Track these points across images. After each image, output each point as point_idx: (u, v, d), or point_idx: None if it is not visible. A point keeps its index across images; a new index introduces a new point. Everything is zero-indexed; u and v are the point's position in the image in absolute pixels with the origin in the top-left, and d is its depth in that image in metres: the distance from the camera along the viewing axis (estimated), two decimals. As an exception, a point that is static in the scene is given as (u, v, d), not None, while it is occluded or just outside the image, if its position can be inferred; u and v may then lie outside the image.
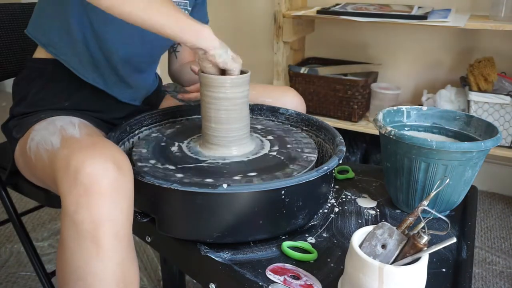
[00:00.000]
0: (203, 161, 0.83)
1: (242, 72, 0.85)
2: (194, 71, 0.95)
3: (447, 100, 1.62)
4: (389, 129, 0.79)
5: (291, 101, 1.08)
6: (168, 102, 1.14)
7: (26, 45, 1.14)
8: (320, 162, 0.92)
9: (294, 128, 1.01)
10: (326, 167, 0.75)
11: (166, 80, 1.26)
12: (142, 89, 1.04)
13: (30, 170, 0.87)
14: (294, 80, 1.81)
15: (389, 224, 0.60)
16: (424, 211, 0.63)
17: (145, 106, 1.05)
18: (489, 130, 0.83)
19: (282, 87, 1.18)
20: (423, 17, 1.51)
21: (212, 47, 0.80)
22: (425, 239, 0.57)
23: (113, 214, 0.64)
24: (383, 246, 0.59)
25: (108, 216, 0.64)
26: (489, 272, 1.41)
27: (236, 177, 0.76)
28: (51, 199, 0.96)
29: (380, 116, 0.86)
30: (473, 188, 0.90)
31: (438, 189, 0.66)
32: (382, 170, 0.88)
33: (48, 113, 0.87)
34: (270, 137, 0.94)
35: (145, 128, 0.98)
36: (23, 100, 0.92)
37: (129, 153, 0.92)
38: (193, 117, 1.06)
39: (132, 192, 0.69)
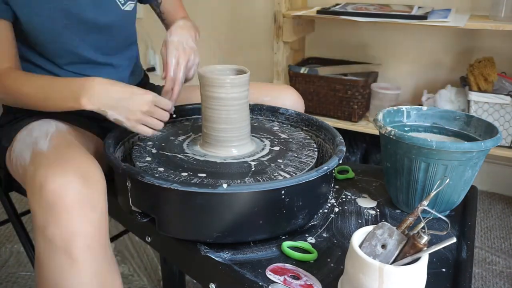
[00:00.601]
0: (203, 160, 0.83)
1: (241, 72, 0.85)
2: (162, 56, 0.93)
3: (447, 100, 1.62)
4: (389, 129, 0.79)
5: (290, 99, 1.08)
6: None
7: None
8: (320, 162, 0.92)
9: (294, 128, 1.01)
10: (326, 167, 0.75)
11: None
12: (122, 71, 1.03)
13: (19, 178, 0.88)
14: (294, 80, 1.81)
15: (389, 224, 0.60)
16: (424, 211, 0.63)
17: None
18: (489, 130, 0.83)
19: (280, 85, 1.18)
20: (423, 17, 1.51)
21: (98, 110, 0.79)
22: (425, 239, 0.57)
23: (83, 227, 0.64)
24: (383, 246, 0.59)
25: (77, 229, 0.64)
26: (489, 272, 1.41)
27: (236, 177, 0.76)
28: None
29: (380, 116, 0.86)
30: (473, 188, 0.90)
31: (438, 189, 0.65)
32: (382, 170, 0.88)
33: (33, 117, 0.88)
34: (270, 137, 0.94)
35: (145, 128, 0.98)
36: (10, 107, 0.93)
37: (129, 153, 0.92)
38: (193, 117, 1.06)
39: (103, 203, 0.69)
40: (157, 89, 1.16)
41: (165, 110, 0.83)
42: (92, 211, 0.66)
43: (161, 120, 0.82)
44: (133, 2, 0.96)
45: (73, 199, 0.64)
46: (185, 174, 0.77)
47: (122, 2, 0.93)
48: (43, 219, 0.64)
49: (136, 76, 1.10)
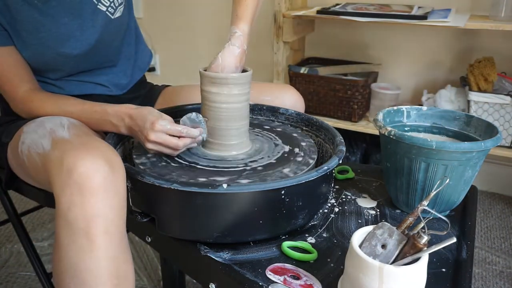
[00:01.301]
0: (203, 160, 0.83)
1: (243, 71, 0.85)
2: None
3: (447, 100, 1.62)
4: (389, 129, 0.79)
5: (290, 99, 1.08)
6: (165, 97, 1.14)
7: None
8: (320, 162, 0.92)
9: (294, 128, 1.01)
10: (326, 167, 0.75)
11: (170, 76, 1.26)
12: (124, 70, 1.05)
13: (24, 172, 0.88)
14: (294, 80, 1.81)
15: (389, 224, 0.60)
16: (424, 211, 0.63)
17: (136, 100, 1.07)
18: (489, 130, 0.83)
19: (281, 84, 1.18)
20: (423, 17, 1.51)
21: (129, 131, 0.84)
22: (425, 239, 0.57)
23: (103, 211, 0.66)
24: (383, 246, 0.59)
25: (100, 212, 0.65)
26: (489, 272, 1.41)
27: (236, 177, 0.76)
28: (50, 200, 0.95)
29: (380, 116, 0.86)
30: (473, 188, 0.90)
31: (438, 189, 0.65)
32: (382, 170, 0.88)
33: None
34: (270, 137, 0.94)
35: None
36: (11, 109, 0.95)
37: (129, 153, 0.92)
38: (193, 117, 1.06)
39: (124, 190, 0.70)
40: (155, 88, 1.16)
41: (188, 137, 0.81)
42: (115, 197, 0.67)
43: (175, 149, 0.81)
44: (122, 5, 0.97)
45: (100, 183, 0.66)
46: (184, 173, 0.77)
47: (112, 11, 0.94)
48: (68, 200, 0.65)
49: (142, 65, 1.12)
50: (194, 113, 0.82)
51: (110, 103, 0.88)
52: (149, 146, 0.79)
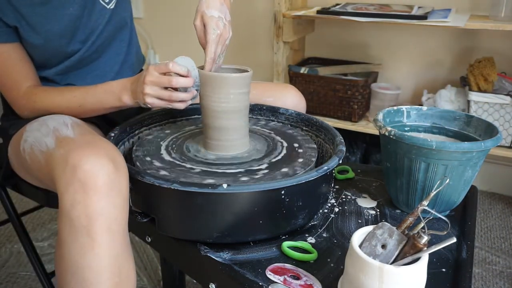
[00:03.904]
0: (203, 160, 0.83)
1: (243, 71, 0.85)
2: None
3: (447, 100, 1.62)
4: (389, 129, 0.79)
5: (291, 99, 1.08)
6: None
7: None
8: (320, 162, 0.92)
9: (294, 128, 1.01)
10: (326, 167, 0.75)
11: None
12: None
13: (25, 170, 0.88)
14: (294, 80, 1.81)
15: (389, 224, 0.60)
16: (424, 211, 0.63)
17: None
18: (489, 130, 0.83)
19: (282, 84, 1.18)
20: (423, 17, 1.51)
21: (134, 104, 0.86)
22: (425, 239, 0.57)
23: (106, 209, 0.66)
24: (383, 246, 0.59)
25: (102, 210, 0.65)
26: (489, 272, 1.41)
27: (236, 176, 0.76)
28: (50, 199, 0.96)
29: (380, 116, 0.86)
30: (473, 188, 0.90)
31: (438, 189, 0.65)
32: (382, 170, 0.88)
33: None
34: (269, 137, 0.94)
35: (145, 128, 0.98)
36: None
37: (129, 153, 0.92)
38: (193, 117, 1.06)
39: (126, 189, 0.70)
40: None
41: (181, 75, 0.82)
42: (118, 195, 0.67)
43: (176, 89, 0.82)
44: None
45: (104, 181, 0.66)
46: (184, 173, 0.77)
47: (107, 1, 0.94)
48: (72, 198, 0.65)
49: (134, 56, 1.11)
50: (180, 57, 0.83)
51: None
52: (147, 90, 0.80)
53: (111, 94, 0.86)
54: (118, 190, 0.68)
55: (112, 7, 0.95)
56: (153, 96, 0.81)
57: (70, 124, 0.81)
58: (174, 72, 0.80)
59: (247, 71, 0.84)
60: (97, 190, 0.65)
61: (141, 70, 1.15)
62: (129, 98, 0.85)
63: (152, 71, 0.80)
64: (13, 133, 0.89)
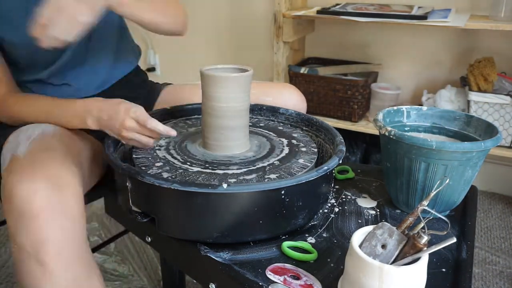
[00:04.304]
0: (203, 160, 0.83)
1: (243, 71, 0.85)
2: None
3: (447, 100, 1.62)
4: (389, 129, 0.79)
5: (291, 98, 1.08)
6: (165, 95, 1.13)
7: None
8: (320, 162, 0.92)
9: (294, 128, 1.01)
10: (326, 167, 0.75)
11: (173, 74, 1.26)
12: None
13: None
14: (294, 80, 1.81)
15: (389, 224, 0.60)
16: (424, 211, 0.63)
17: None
18: (489, 130, 0.83)
19: (281, 84, 1.18)
20: (423, 17, 1.51)
21: (102, 130, 0.83)
22: (425, 239, 0.57)
23: (52, 234, 0.63)
24: (383, 246, 0.59)
25: (47, 236, 0.62)
26: (489, 272, 1.41)
27: (236, 176, 0.76)
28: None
29: (380, 116, 0.86)
30: (473, 188, 0.90)
31: (438, 189, 0.65)
32: (382, 170, 0.88)
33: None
34: (269, 137, 0.94)
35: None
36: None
37: (129, 153, 0.92)
38: (193, 117, 1.06)
39: (77, 208, 0.67)
40: (156, 87, 1.16)
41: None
42: (63, 217, 0.64)
43: (151, 137, 0.81)
44: None
45: (41, 205, 0.63)
46: (184, 173, 0.77)
47: None
48: (14, 226, 0.63)
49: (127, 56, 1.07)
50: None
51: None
52: (124, 133, 0.78)
53: (74, 117, 0.82)
54: (62, 211, 0.64)
55: None
56: (131, 139, 0.80)
57: (34, 137, 0.77)
58: (151, 130, 0.79)
59: (247, 70, 0.84)
60: (35, 216, 0.62)
61: (138, 66, 1.13)
62: (93, 124, 0.81)
63: (131, 121, 0.78)
64: (2, 143, 0.86)
